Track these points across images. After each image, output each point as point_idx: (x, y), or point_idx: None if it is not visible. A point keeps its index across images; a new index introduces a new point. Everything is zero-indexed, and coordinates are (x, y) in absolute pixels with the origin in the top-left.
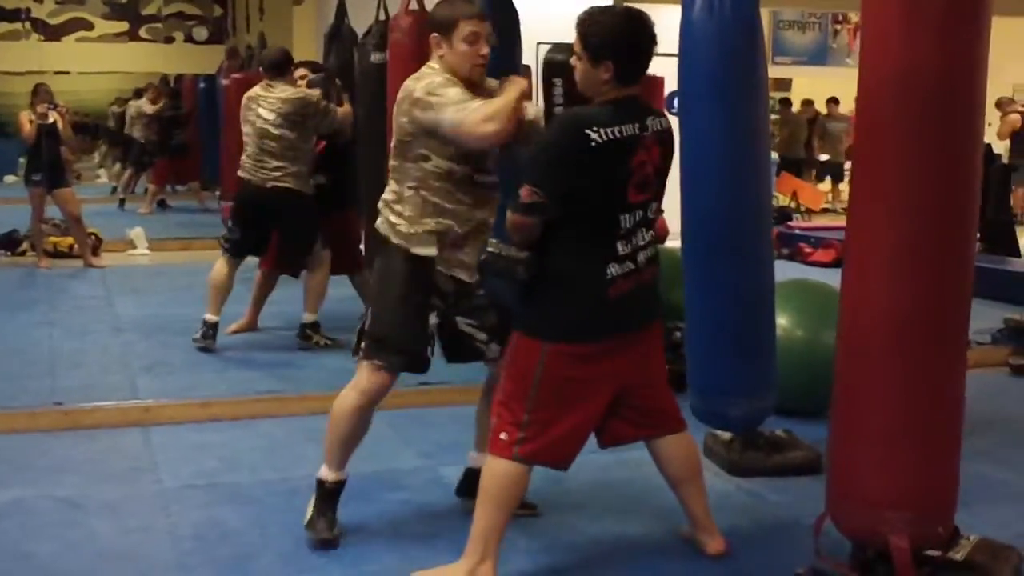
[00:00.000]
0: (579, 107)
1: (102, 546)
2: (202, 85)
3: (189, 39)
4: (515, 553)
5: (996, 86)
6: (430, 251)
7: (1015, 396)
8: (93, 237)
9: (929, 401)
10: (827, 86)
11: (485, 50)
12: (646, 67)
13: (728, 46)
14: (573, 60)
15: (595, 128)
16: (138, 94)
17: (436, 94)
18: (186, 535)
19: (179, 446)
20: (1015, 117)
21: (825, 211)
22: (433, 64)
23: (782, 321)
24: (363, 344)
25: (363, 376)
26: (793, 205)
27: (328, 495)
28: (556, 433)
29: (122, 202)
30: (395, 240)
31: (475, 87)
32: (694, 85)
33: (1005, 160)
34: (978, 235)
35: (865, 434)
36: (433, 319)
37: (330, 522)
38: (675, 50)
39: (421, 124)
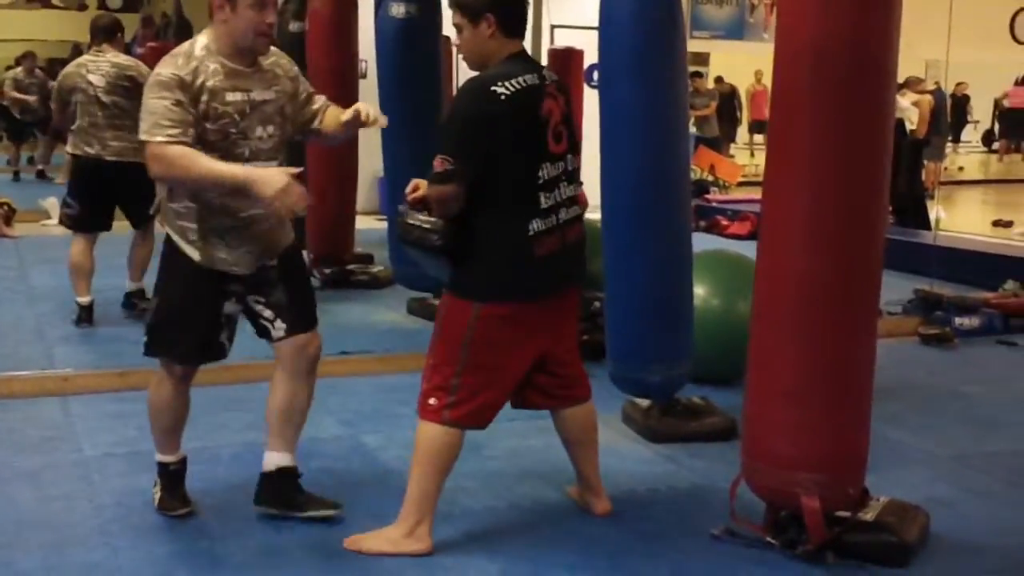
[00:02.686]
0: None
1: (22, 514)
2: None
3: (103, 6)
4: (438, 520)
5: (908, 62)
6: (196, 255)
7: (924, 365)
8: (5, 207)
9: (840, 367)
10: (744, 61)
11: (271, 18)
12: (526, 15)
13: (649, 18)
14: (455, 39)
15: (499, 83)
16: (18, 63)
17: (150, 93)
18: (108, 503)
19: (98, 415)
20: (928, 99)
21: (743, 184)
22: (205, 34)
23: (699, 291)
24: (147, 340)
25: (164, 368)
26: (710, 178)
27: (175, 475)
28: (484, 397)
29: (40, 172)
30: (176, 240)
31: (254, 60)
32: (615, 57)
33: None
34: (890, 208)
35: (778, 399)
36: (232, 305)
37: (184, 497)
38: (594, 23)
39: None
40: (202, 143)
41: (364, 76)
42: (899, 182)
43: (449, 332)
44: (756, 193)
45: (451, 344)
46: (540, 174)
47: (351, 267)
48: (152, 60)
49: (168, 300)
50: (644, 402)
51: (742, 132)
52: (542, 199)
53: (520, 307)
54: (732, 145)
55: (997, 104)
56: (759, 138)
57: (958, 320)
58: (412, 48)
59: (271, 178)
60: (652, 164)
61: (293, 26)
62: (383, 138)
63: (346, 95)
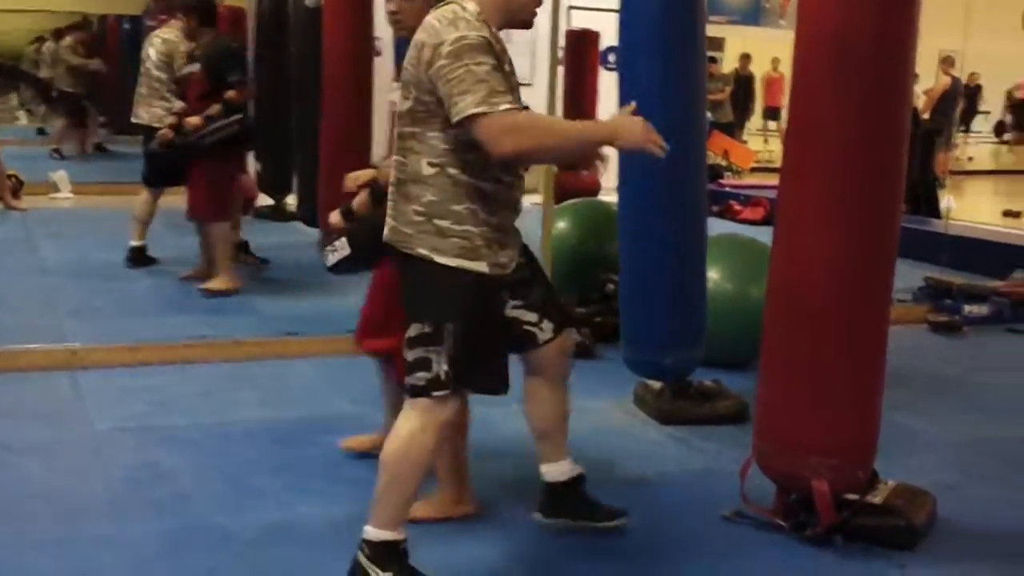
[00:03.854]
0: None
1: (32, 487)
2: (127, 27)
3: None
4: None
5: (922, 53)
6: (483, 268)
7: (933, 352)
8: (13, 179)
9: (853, 353)
10: (759, 47)
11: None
12: None
13: None
14: (395, 6)
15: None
16: (58, 34)
17: (464, 60)
18: (118, 476)
19: (109, 390)
20: (945, 82)
21: (755, 170)
22: (468, 2)
23: (712, 275)
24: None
25: (432, 409)
26: (724, 163)
27: (405, 555)
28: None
29: (56, 151)
30: (439, 259)
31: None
32: (635, 37)
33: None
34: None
35: (791, 383)
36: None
37: None
38: (611, 5)
39: (434, 85)
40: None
41: (379, 54)
42: (911, 170)
43: None
44: (769, 179)
45: None
46: None
47: None
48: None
49: (464, 336)
50: (657, 384)
51: (754, 118)
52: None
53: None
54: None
55: (1009, 95)
56: (772, 125)
57: (967, 308)
58: None
59: (629, 120)
60: (671, 145)
61: (310, 1)
62: None
63: (359, 73)
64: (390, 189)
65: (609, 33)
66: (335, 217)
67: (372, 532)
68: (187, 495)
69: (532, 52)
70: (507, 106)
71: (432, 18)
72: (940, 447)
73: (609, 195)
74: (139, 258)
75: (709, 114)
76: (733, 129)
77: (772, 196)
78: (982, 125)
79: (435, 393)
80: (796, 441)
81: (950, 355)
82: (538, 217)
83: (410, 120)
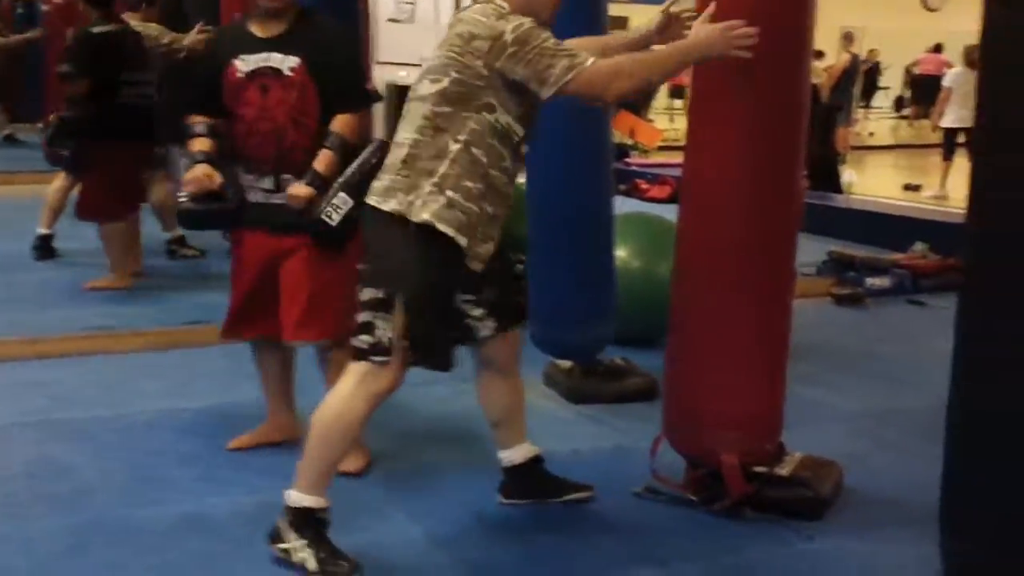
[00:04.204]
0: None
1: None
2: (20, 11)
3: None
4: (356, 486)
5: (824, 30)
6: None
7: (837, 325)
8: None
9: (758, 327)
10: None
11: None
12: None
13: None
14: None
15: None
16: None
17: (532, 42)
18: (17, 473)
19: (4, 384)
20: (846, 57)
21: (661, 148)
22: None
23: (620, 253)
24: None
25: (374, 376)
26: (630, 142)
27: (325, 526)
28: None
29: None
30: (440, 226)
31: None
32: None
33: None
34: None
35: (698, 359)
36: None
37: (344, 555)
38: None
39: (510, 73)
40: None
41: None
42: (813, 146)
43: None
44: (675, 157)
45: None
46: None
47: None
48: (60, 17)
49: (417, 308)
50: (566, 364)
51: (660, 97)
52: None
53: None
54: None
55: (908, 71)
56: (678, 103)
57: (869, 281)
58: None
59: (712, 31)
60: (573, 126)
61: None
62: None
63: None
64: (398, 162)
65: None
66: (302, 189)
67: (294, 496)
68: (90, 489)
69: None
70: (591, 58)
71: (476, 14)
72: (846, 418)
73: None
74: (46, 247)
75: None
76: (639, 108)
77: (678, 174)
78: (882, 101)
79: (374, 358)
80: (704, 416)
81: (854, 327)
82: None
83: (441, 100)
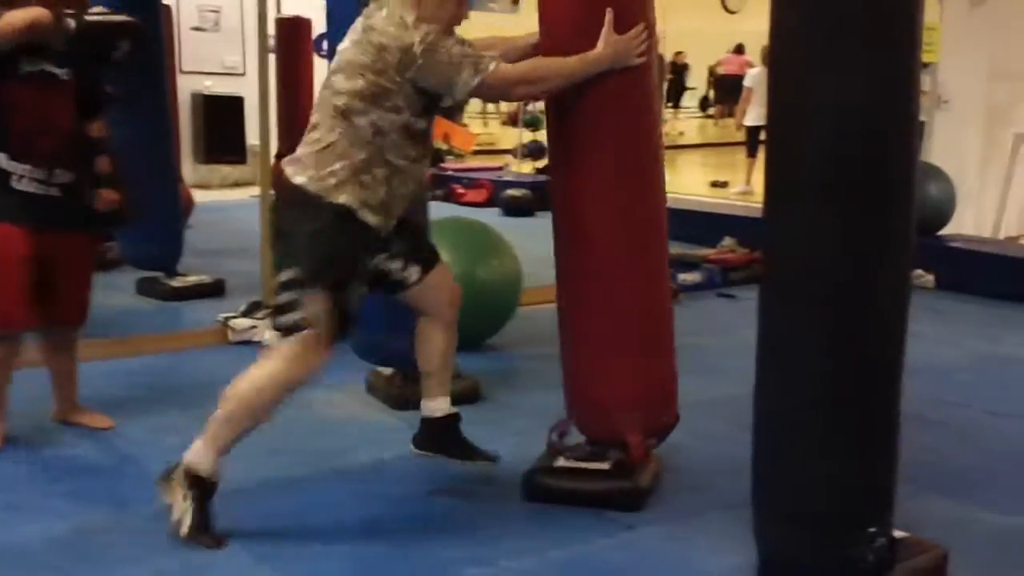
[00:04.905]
0: None
1: None
2: None
3: None
4: None
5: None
6: (376, 220)
7: None
8: None
9: (646, 314)
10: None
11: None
12: None
13: None
14: None
15: None
16: None
17: (437, 50)
18: None
19: None
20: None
21: (476, 152)
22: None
23: None
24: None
25: (297, 358)
26: (446, 147)
27: (210, 494)
28: None
29: None
30: (356, 208)
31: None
32: (344, 23)
33: None
34: None
35: (589, 347)
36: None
37: (214, 532)
38: None
39: (421, 82)
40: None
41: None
42: None
43: None
44: (490, 161)
45: None
46: None
47: None
48: None
49: (335, 284)
50: (387, 370)
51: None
52: None
53: None
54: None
55: (712, 71)
56: (491, 107)
57: (681, 276)
58: None
59: (618, 41)
60: None
61: None
62: None
63: None
64: (314, 144)
65: (321, 20)
66: (111, 194)
67: (190, 458)
68: None
69: (242, 41)
70: (493, 63)
71: (387, 24)
72: None
73: None
74: None
75: None
76: (453, 113)
77: (494, 178)
78: (690, 101)
79: (296, 335)
80: (603, 401)
81: None
82: (256, 209)
83: (355, 97)
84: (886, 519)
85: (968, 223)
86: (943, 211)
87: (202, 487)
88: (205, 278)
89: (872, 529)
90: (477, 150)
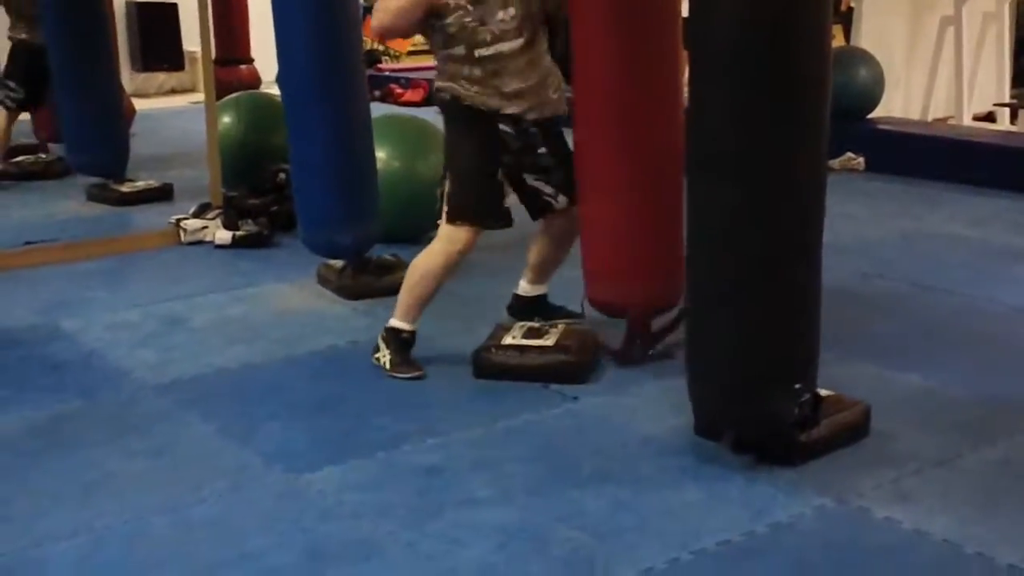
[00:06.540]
0: None
1: None
2: None
3: None
4: (150, 394)
5: None
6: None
7: None
8: None
9: (652, 195)
10: None
11: None
12: None
13: None
14: None
15: None
16: None
17: None
18: None
19: None
20: None
21: (411, 53)
22: None
23: (380, 155)
24: (447, 209)
25: (451, 236)
26: (381, 48)
27: (406, 344)
28: None
29: None
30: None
31: None
32: None
33: None
34: None
35: (605, 227)
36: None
37: (414, 362)
38: None
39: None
40: (444, 37)
41: None
42: None
43: None
44: (425, 61)
45: None
46: None
47: (19, 159)
48: None
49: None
50: (338, 263)
51: None
52: None
53: None
54: None
55: None
56: None
57: None
58: None
59: None
60: (324, 35)
61: None
62: None
63: None
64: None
65: None
66: None
67: (391, 320)
68: None
69: None
70: None
71: None
72: None
73: (270, 87)
74: None
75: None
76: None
77: (430, 77)
78: None
79: (440, 222)
80: (615, 274)
81: None
82: (201, 114)
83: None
84: (811, 377)
85: (897, 106)
86: (872, 95)
87: (399, 337)
88: (153, 183)
89: (797, 385)
90: (412, 51)
